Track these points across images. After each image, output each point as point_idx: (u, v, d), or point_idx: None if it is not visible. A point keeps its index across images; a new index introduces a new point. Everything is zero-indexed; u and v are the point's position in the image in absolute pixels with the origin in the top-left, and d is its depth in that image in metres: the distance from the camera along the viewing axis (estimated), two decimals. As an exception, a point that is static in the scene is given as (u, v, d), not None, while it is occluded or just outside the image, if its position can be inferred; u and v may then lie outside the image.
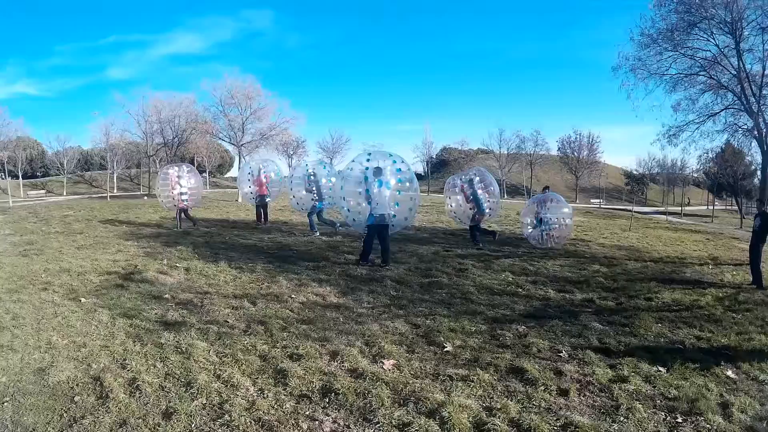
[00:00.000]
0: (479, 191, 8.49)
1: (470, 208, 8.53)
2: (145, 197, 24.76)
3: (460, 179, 8.86)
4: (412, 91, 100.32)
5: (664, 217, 24.46)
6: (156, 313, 4.58)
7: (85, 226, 10.88)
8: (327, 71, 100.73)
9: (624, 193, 49.09)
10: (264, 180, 11.14)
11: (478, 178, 8.67)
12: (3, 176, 42.19)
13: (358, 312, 4.47)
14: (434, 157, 55.35)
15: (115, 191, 43.23)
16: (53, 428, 2.67)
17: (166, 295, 5.15)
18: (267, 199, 11.29)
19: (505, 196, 39.91)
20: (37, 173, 51.87)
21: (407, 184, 6.38)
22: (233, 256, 7.16)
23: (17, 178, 42.09)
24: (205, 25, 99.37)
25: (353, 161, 6.54)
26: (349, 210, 6.60)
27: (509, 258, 6.97)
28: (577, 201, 38.79)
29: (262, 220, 11.41)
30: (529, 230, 8.09)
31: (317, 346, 3.60)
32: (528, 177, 46.89)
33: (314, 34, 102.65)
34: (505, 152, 48.35)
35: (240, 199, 21.66)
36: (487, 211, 8.51)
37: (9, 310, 4.56)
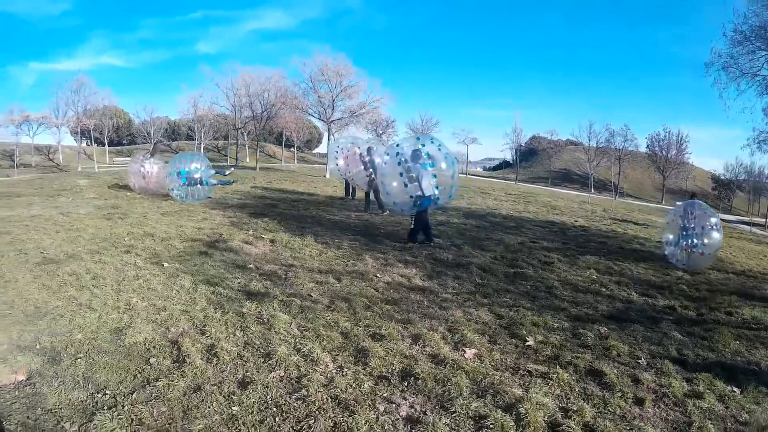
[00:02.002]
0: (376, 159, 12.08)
1: (367, 175, 12.76)
2: (233, 168, 29.36)
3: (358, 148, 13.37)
4: (503, 78, 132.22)
5: (747, 227, 30.75)
6: (239, 282, 6.27)
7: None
8: (416, 52, 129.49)
9: (710, 198, 64.14)
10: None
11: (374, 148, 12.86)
12: (89, 143, 63.37)
13: (442, 297, 5.82)
14: (523, 145, 74.08)
15: (202, 161, 49.89)
16: (125, 387, 3.73)
17: (250, 265, 7.09)
18: None
19: (592, 191, 59.17)
20: (123, 141, 77.39)
21: (442, 164, 9.09)
22: (319, 231, 9.70)
23: (103, 145, 62.69)
24: (294, 2, 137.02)
25: (396, 145, 9.57)
26: (388, 193, 9.31)
27: (595, 255, 9.00)
28: (663, 202, 54.49)
29: (350, 195, 16.23)
30: (671, 248, 9.66)
31: (400, 328, 4.80)
32: (616, 173, 63.00)
33: (403, 13, 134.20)
34: (594, 145, 65.39)
35: (328, 175, 29.62)
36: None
37: (90, 270, 6.59)
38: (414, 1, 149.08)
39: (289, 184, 22.65)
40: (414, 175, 8.81)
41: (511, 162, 77.97)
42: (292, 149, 74.41)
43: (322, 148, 77.78)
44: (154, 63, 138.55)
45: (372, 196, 14.09)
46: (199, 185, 14.41)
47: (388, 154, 9.59)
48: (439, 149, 9.29)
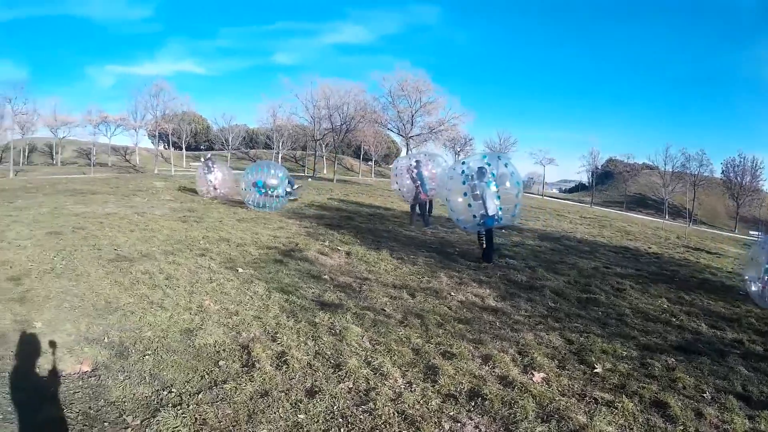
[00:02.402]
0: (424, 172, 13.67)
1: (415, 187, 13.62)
2: (310, 179, 30.41)
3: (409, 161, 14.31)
4: (581, 98, 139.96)
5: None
6: (313, 292, 6.68)
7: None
8: (493, 70, 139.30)
9: (781, 228, 70.88)
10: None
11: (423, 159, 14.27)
12: (166, 146, 70.32)
13: (515, 318, 6.06)
14: (599, 168, 76.85)
15: (279, 171, 54.22)
16: (192, 387, 4.03)
17: (325, 276, 7.52)
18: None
19: (666, 217, 60.44)
20: (201, 146, 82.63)
21: (507, 183, 9.58)
22: (395, 246, 10.17)
23: (181, 149, 69.24)
24: (372, 17, 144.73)
25: (462, 162, 10.14)
26: (452, 209, 9.77)
27: (666, 283, 9.15)
28: (736, 231, 55.41)
29: (427, 213, 15.96)
30: (757, 287, 9.00)
31: (471, 348, 5.02)
32: (690, 199, 63.50)
33: (481, 31, 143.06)
34: (670, 170, 67.26)
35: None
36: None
37: (163, 270, 7.24)
38: (492, 19, 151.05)
39: (366, 198, 23.95)
40: (479, 193, 9.17)
41: (586, 185, 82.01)
42: (369, 163, 78.67)
43: None
44: (232, 71, 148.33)
45: (418, 210, 14.74)
46: (275, 197, 15.07)
47: (454, 170, 10.02)
48: (506, 167, 9.73)
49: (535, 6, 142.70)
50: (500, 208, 9.35)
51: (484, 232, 9.74)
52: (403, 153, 53.34)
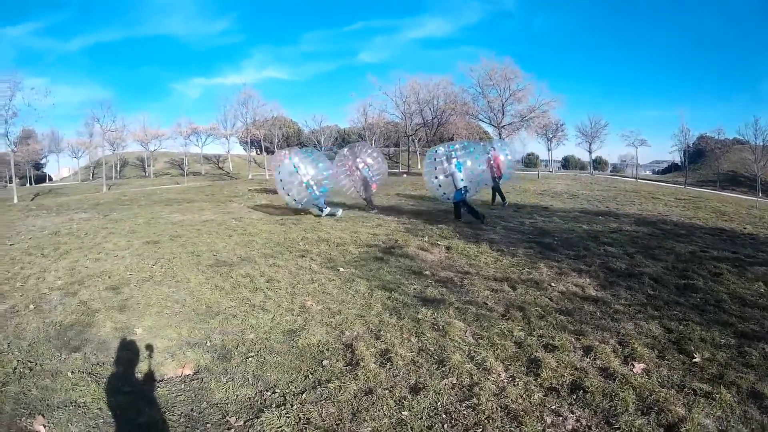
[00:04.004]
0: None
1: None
2: (405, 175, 31.04)
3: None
4: (666, 75, 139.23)
5: None
6: (415, 289, 6.79)
7: (344, 199, 17.77)
8: (577, 53, 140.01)
9: None
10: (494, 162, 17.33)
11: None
12: (258, 151, 78.55)
13: (614, 308, 6.04)
14: (690, 146, 75.37)
15: (373, 168, 58.12)
16: (296, 387, 4.18)
17: (426, 272, 7.62)
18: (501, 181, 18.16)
19: (760, 195, 54.81)
20: None
21: (468, 163, 13.37)
22: (494, 239, 10.25)
23: (273, 153, 74.41)
24: (451, 8, 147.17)
25: (435, 151, 14.38)
26: (439, 186, 13.57)
27: (763, 266, 8.75)
28: None
29: (502, 200, 17.91)
30: None
31: (572, 339, 5.05)
32: None
33: (561, 13, 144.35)
34: (761, 144, 65.86)
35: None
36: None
37: (264, 273, 7.62)
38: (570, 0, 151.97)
39: None
40: (448, 174, 12.86)
41: (679, 164, 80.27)
42: None
43: None
44: (317, 74, 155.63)
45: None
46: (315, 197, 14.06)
47: (429, 158, 14.38)
48: (465, 150, 13.61)
49: None
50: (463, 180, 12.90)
51: (457, 202, 13.18)
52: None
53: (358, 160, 16.06)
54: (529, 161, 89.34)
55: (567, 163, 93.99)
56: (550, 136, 62.54)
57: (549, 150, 68.03)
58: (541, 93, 43.82)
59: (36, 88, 37.76)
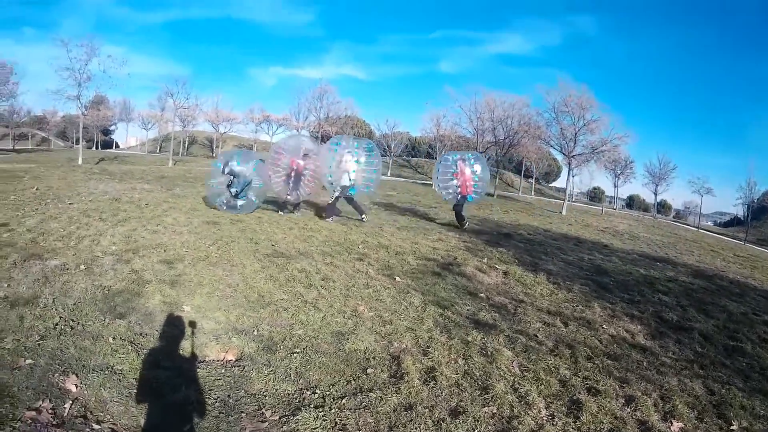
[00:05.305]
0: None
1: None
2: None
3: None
4: (739, 119, 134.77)
5: None
6: (468, 310, 6.73)
7: (408, 208, 19.24)
8: (654, 86, 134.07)
9: None
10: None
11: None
12: None
13: (661, 360, 5.97)
14: (756, 201, 70.99)
15: (440, 181, 59.87)
16: (336, 391, 4.23)
17: (481, 294, 7.55)
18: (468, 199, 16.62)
19: None
20: None
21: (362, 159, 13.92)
22: (552, 270, 10.09)
23: None
24: (533, 27, 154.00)
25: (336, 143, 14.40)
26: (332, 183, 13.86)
27: None
28: None
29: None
30: None
31: (616, 386, 4.97)
32: None
33: (643, 43, 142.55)
34: None
35: (564, 212, 34.80)
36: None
37: (320, 271, 7.70)
38: (654, 32, 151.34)
39: (525, 216, 24.51)
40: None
41: (741, 219, 74.58)
42: (530, 180, 76.98)
43: (560, 182, 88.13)
44: (393, 78, 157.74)
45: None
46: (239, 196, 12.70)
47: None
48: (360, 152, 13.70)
49: (697, 18, 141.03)
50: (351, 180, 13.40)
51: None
52: (564, 172, 58.26)
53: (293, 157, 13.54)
54: (594, 195, 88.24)
55: (632, 202, 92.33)
56: (618, 172, 61.82)
57: (615, 186, 66.10)
58: (614, 126, 41.93)
59: (113, 56, 39.32)
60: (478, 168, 15.10)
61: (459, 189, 15.11)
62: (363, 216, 14.27)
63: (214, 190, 12.70)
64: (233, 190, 12.37)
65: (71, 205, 10.98)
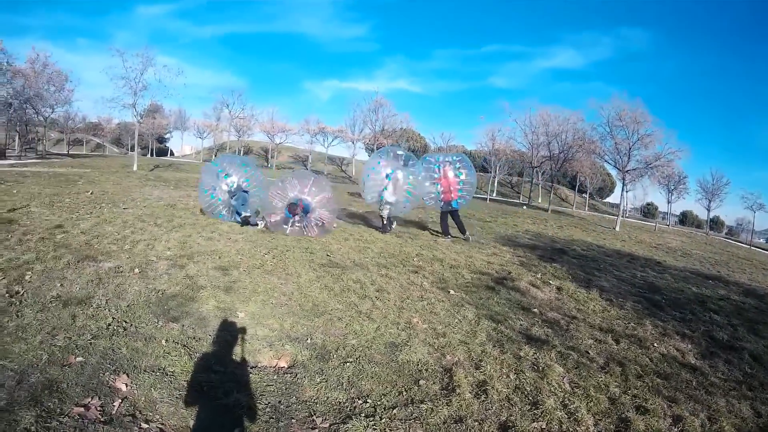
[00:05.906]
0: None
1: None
2: (524, 206, 31.71)
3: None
4: None
5: None
6: (521, 324, 6.77)
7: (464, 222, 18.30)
8: (705, 101, 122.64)
9: None
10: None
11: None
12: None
13: (710, 380, 5.94)
14: None
15: (494, 195, 72.89)
16: (388, 401, 4.24)
17: (535, 309, 7.58)
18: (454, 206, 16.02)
19: None
20: None
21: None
22: (605, 286, 10.13)
23: None
24: (584, 42, 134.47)
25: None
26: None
27: None
28: None
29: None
30: None
31: (664, 405, 4.96)
32: None
33: (694, 59, 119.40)
34: None
35: (618, 228, 35.22)
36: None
37: (375, 282, 7.81)
38: (705, 48, 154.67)
39: (579, 232, 24.57)
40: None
41: None
42: (583, 195, 77.18)
43: (613, 198, 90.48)
44: (448, 92, 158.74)
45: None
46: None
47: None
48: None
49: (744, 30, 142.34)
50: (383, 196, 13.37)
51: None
52: (618, 187, 60.27)
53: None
54: (647, 211, 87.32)
55: (684, 218, 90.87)
56: (672, 187, 61.98)
57: (669, 202, 66.46)
58: (668, 141, 41.80)
59: (168, 66, 40.97)
60: (464, 172, 14.49)
61: (442, 195, 14.37)
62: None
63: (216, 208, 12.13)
64: (235, 203, 11.95)
65: (126, 209, 11.51)
